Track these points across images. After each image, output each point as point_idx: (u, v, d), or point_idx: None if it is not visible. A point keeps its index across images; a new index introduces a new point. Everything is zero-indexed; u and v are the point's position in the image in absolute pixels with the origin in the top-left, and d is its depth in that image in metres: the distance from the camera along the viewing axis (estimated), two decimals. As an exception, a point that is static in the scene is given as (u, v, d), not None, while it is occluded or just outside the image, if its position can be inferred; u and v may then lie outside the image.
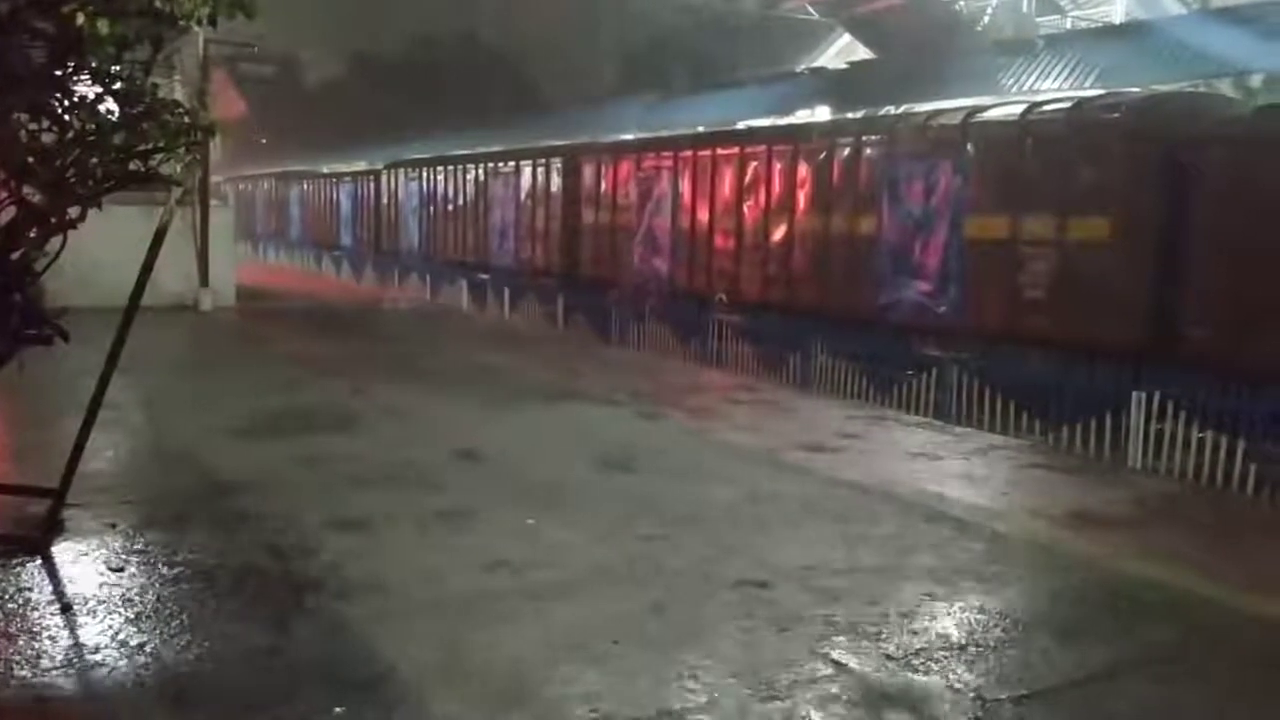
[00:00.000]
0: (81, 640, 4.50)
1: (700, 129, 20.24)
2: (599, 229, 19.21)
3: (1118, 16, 25.10)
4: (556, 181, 20.64)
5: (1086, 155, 10.78)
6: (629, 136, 21.25)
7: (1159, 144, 10.29)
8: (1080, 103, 11.71)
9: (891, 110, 14.82)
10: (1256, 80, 14.53)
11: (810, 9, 33.98)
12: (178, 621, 4.70)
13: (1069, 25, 26.86)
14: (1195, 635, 4.99)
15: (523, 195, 21.90)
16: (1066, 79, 17.66)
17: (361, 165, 31.71)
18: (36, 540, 5.53)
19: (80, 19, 4.52)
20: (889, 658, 4.52)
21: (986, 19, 26.54)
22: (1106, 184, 10.59)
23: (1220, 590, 5.48)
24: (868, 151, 13.50)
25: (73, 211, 5.17)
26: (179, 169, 5.93)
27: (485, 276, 21.78)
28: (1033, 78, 18.52)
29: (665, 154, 17.63)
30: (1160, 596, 5.42)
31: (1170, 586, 5.54)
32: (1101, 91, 13.65)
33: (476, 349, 14.97)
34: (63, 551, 5.54)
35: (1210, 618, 5.19)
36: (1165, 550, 6.21)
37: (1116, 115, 10.89)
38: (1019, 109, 12.12)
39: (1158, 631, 5.01)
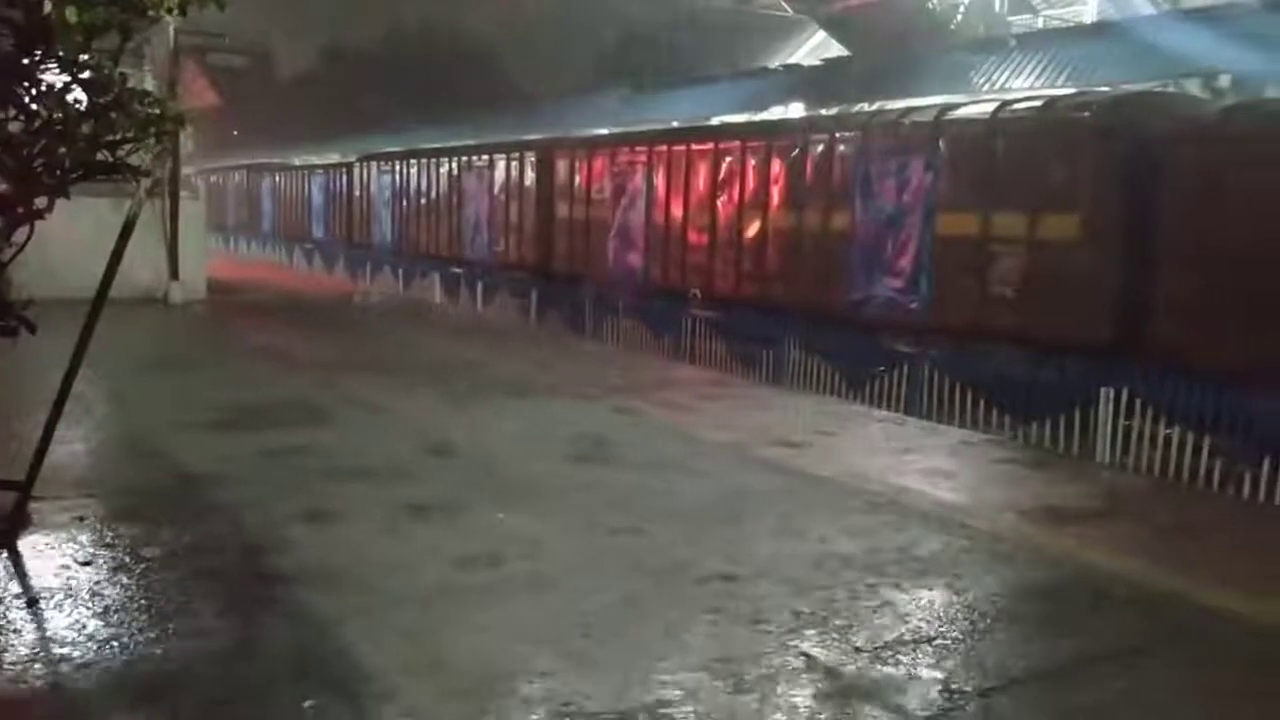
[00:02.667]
0: (48, 634, 4.46)
1: (674, 124, 20.26)
2: (573, 223, 19.19)
3: (1089, 16, 25.34)
4: (530, 175, 20.60)
5: (1057, 153, 10.88)
6: (603, 131, 21.22)
7: (1128, 142, 10.39)
8: (1051, 101, 11.81)
9: (865, 107, 14.89)
10: (1224, 80, 14.70)
11: (785, 5, 34.04)
12: (146, 615, 4.66)
13: (1041, 24, 27.11)
14: (1161, 628, 5.06)
15: (496, 189, 21.84)
16: (1038, 77, 17.81)
17: (334, 158, 31.52)
18: (2, 534, 5.47)
19: (48, 6, 4.47)
20: (858, 650, 4.55)
21: (959, 17, 26.69)
22: (1076, 182, 10.69)
23: (1186, 584, 5.55)
24: (841, 148, 13.56)
25: (40, 201, 5.12)
26: (148, 159, 5.88)
27: (458, 270, 21.73)
28: (1005, 76, 18.66)
29: (639, 149, 17.63)
30: (1127, 590, 5.48)
31: (1137, 580, 5.60)
32: (1072, 90, 13.78)
33: (449, 343, 14.93)
34: (29, 545, 5.48)
35: (1176, 611, 5.26)
36: (1133, 545, 6.28)
37: (1086, 114, 11.00)
38: (991, 107, 12.21)
39: (1125, 625, 5.07)
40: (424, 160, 25.30)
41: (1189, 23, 17.19)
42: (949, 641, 4.71)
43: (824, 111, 16.68)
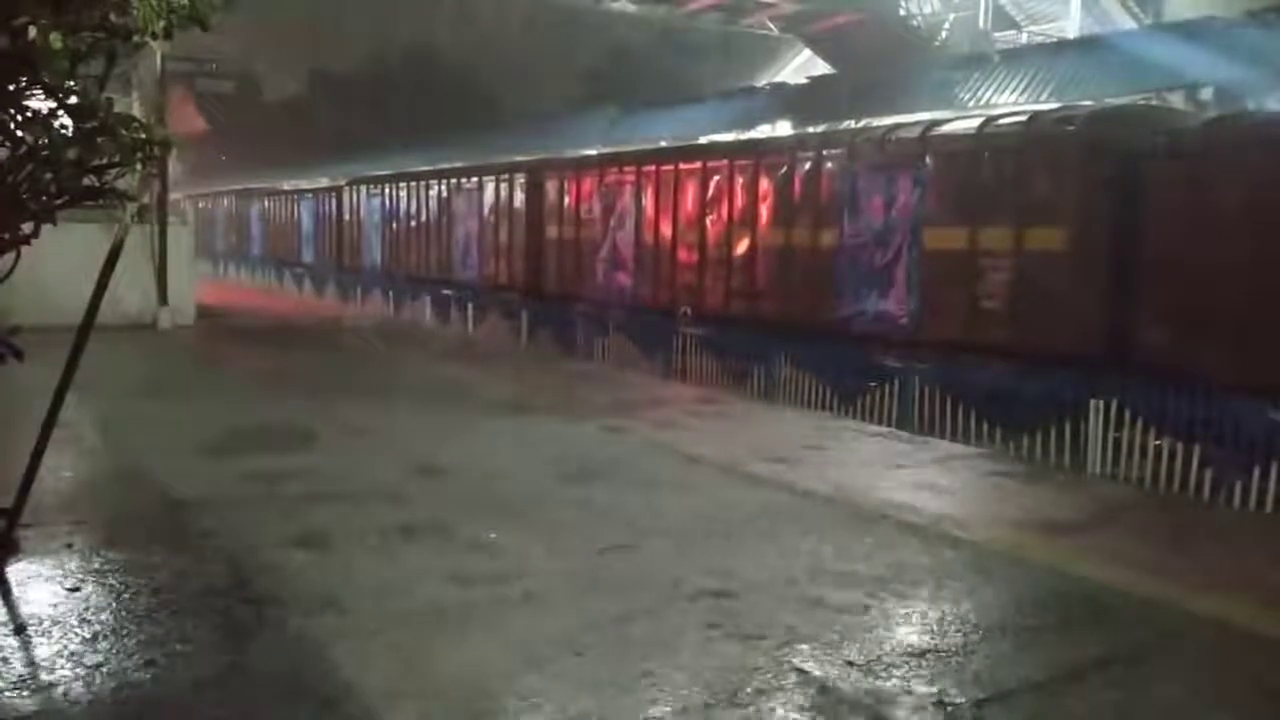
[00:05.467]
0: (36, 661, 4.43)
1: (663, 143, 20.33)
2: (562, 244, 19.23)
3: (1072, 31, 25.55)
4: (520, 197, 20.64)
5: (1042, 167, 10.95)
6: (592, 151, 21.30)
7: (1112, 155, 10.47)
8: (1036, 116, 11.89)
9: (851, 124, 14.97)
10: (1207, 93, 14.82)
11: (771, 25, 34.31)
12: (135, 641, 4.63)
13: (1024, 40, 27.34)
14: (1153, 638, 5.05)
15: (486, 210, 21.88)
16: (1022, 92, 17.96)
17: (323, 181, 31.54)
18: (-10, 561, 5.44)
19: (32, 33, 4.47)
20: (851, 664, 4.54)
21: (944, 34, 26.93)
22: (1062, 195, 10.76)
23: (1178, 593, 5.55)
24: (828, 165, 13.62)
25: (26, 228, 5.11)
26: (135, 184, 5.87)
27: (449, 292, 21.74)
28: (989, 91, 18.81)
29: (628, 168, 17.69)
30: (1119, 600, 5.48)
31: (1129, 590, 5.60)
32: (1056, 105, 13.87)
33: (439, 365, 14.92)
34: (17, 572, 5.44)
35: (1168, 620, 5.26)
36: (1125, 555, 6.28)
37: (1071, 128, 11.07)
38: (976, 122, 12.29)
39: (1117, 634, 5.07)
40: (413, 183, 25.34)
41: (1171, 37, 17.34)
42: (942, 654, 4.70)
43: (811, 129, 16.74)
